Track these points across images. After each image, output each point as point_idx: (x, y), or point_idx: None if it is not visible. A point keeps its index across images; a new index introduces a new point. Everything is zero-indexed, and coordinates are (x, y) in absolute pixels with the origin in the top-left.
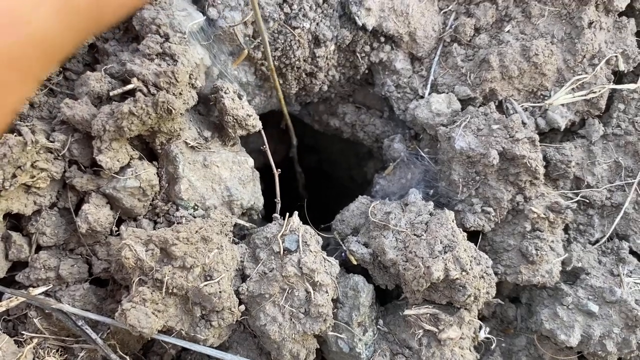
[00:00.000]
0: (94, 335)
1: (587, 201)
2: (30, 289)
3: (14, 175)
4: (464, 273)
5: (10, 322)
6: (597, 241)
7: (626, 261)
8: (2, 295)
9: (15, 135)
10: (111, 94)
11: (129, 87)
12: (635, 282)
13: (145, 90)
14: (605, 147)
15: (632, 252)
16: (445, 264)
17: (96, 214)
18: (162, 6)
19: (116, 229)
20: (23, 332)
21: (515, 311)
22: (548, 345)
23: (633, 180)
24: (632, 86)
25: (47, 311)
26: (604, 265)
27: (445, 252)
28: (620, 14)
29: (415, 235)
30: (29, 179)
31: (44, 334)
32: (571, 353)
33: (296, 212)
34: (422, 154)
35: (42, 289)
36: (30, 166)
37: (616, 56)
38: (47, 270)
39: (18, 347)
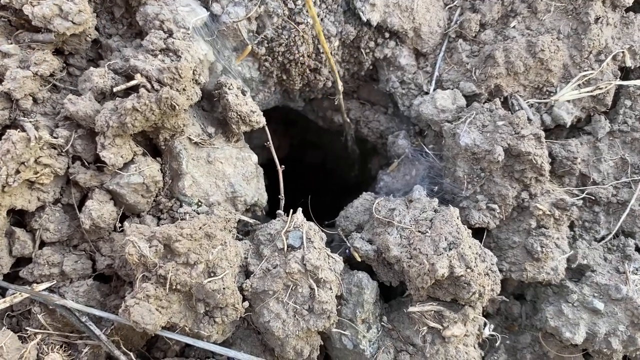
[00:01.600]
0: (97, 332)
1: (593, 198)
2: (34, 285)
3: (18, 171)
4: (468, 270)
5: (14, 318)
6: (602, 238)
7: (632, 258)
8: (6, 291)
9: (18, 131)
10: (115, 90)
11: (133, 83)
12: None
13: (148, 86)
14: (612, 143)
15: (637, 249)
16: (450, 261)
17: (100, 210)
18: (166, 2)
19: (120, 225)
20: (27, 327)
21: (520, 308)
22: (553, 342)
23: (639, 177)
24: (638, 82)
25: (51, 307)
26: (610, 262)
27: (450, 249)
28: (628, 10)
29: (419, 232)
30: (32, 175)
31: (48, 329)
32: (576, 350)
33: (300, 209)
34: (427, 151)
35: (46, 285)
36: (34, 162)
37: (623, 52)
38: (50, 267)
39: (22, 342)
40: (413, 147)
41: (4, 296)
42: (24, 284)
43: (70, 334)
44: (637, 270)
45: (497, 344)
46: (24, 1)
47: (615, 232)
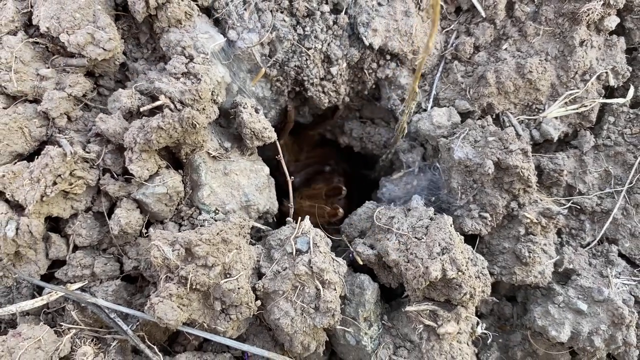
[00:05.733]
0: (125, 327)
1: (579, 207)
2: (68, 284)
3: (55, 183)
4: (460, 273)
5: (50, 315)
6: (588, 244)
7: (615, 263)
8: (43, 290)
9: (55, 147)
10: (141, 109)
11: (157, 103)
12: (623, 283)
13: (172, 106)
14: (596, 157)
15: (620, 254)
16: (443, 265)
17: (127, 217)
18: (187, 29)
19: (145, 231)
20: (62, 323)
21: (512, 309)
22: (541, 341)
23: (622, 188)
24: (621, 100)
25: (82, 305)
26: (594, 267)
27: (443, 254)
28: (611, 33)
29: (416, 238)
30: (67, 186)
31: (80, 325)
32: (562, 348)
33: (307, 217)
34: (437, 165)
35: (79, 284)
36: (69, 175)
37: (606, 72)
38: (82, 268)
39: (57, 336)
40: (422, 162)
41: (40, 294)
42: (58, 283)
43: (100, 329)
44: (619, 274)
45: (489, 342)
46: (60, 30)
47: (599, 238)
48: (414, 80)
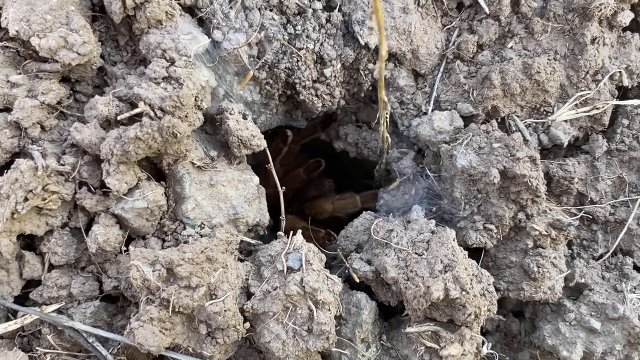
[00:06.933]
0: (104, 352)
1: (591, 217)
2: (44, 306)
3: (26, 199)
4: (463, 292)
5: (25, 338)
6: (600, 256)
7: (630, 277)
8: (17, 313)
9: (26, 161)
10: (119, 118)
11: (136, 111)
12: (638, 298)
13: (152, 114)
14: (609, 162)
15: (635, 267)
16: (445, 284)
17: (105, 234)
18: (168, 30)
19: (125, 248)
20: (37, 347)
21: (519, 326)
22: None
23: (637, 197)
24: (636, 102)
25: (59, 328)
26: (608, 280)
27: (445, 272)
28: (625, 29)
29: (416, 254)
30: (40, 201)
31: (57, 349)
32: None
33: (300, 231)
34: (428, 173)
35: (55, 306)
36: (42, 189)
37: (620, 72)
38: (59, 289)
39: None
40: (415, 169)
41: (15, 317)
42: (34, 305)
43: (79, 354)
44: (635, 288)
45: None
46: (30, 33)
47: (613, 250)
48: (379, 89)
